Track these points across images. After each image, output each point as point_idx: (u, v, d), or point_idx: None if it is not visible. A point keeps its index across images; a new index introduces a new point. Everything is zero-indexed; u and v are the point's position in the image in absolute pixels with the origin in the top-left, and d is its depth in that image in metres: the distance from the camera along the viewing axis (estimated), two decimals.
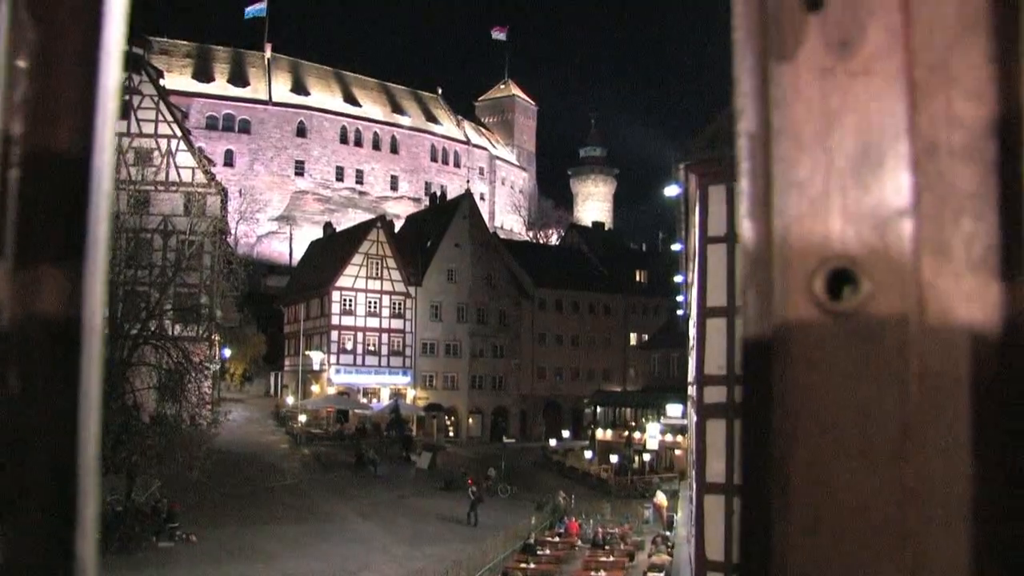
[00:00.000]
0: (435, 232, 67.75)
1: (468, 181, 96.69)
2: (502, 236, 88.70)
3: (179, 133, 46.29)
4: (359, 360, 62.08)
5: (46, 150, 0.71)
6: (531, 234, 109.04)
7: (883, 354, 0.56)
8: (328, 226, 76.63)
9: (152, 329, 30.08)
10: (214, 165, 57.24)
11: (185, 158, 45.47)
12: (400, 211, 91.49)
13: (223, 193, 48.26)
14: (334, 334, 60.50)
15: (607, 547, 30.77)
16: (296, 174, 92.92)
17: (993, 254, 0.57)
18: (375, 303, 62.53)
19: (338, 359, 60.72)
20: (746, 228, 0.60)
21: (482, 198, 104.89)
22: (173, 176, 44.29)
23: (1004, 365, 0.55)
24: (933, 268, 0.57)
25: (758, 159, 0.59)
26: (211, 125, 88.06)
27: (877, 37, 0.57)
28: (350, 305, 61.24)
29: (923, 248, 0.57)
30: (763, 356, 0.58)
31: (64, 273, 0.70)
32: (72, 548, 0.74)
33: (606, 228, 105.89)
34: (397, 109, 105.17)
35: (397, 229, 73.14)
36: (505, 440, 56.72)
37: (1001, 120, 0.56)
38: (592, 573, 25.97)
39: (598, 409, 61.60)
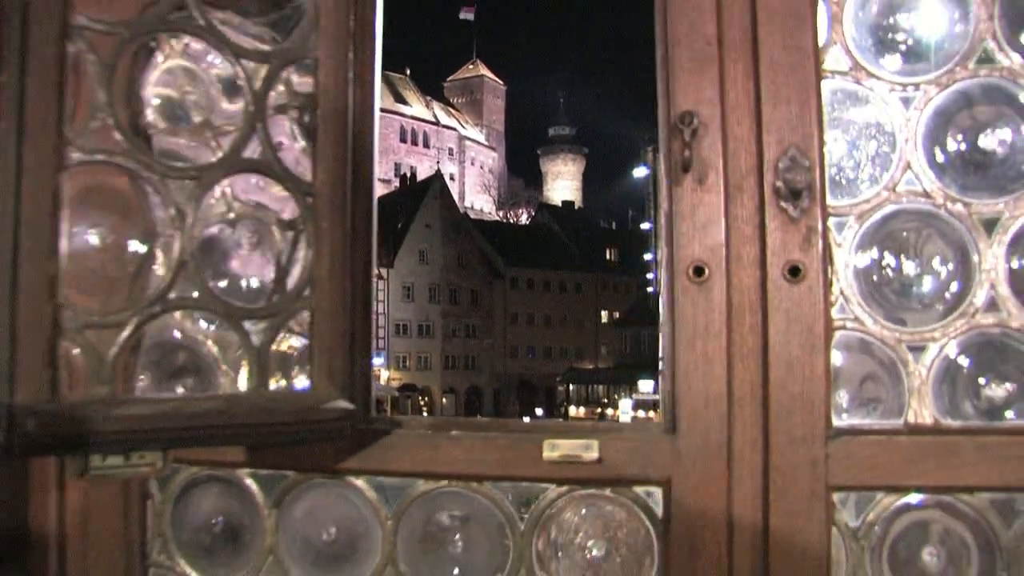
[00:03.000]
0: (406, 213, 68.20)
1: (438, 162, 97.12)
2: (472, 216, 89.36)
3: None
4: None
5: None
6: (501, 214, 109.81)
7: (713, 297, 1.50)
8: None
9: None
10: None
11: None
12: None
13: None
14: None
15: None
16: None
17: (757, 258, 1.51)
18: None
19: None
20: (663, 249, 1.54)
21: (452, 178, 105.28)
22: None
23: (749, 301, 1.49)
24: (735, 264, 1.51)
25: (667, 223, 1.53)
26: None
27: (712, 177, 1.51)
28: None
29: (731, 258, 1.51)
30: (670, 300, 1.52)
31: None
32: (355, 370, 1.66)
33: (576, 207, 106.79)
34: None
35: None
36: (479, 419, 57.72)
37: (760, 208, 1.50)
38: None
39: (571, 387, 62.62)
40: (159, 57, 1.53)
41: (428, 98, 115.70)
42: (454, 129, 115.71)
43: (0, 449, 1.27)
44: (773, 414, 1.49)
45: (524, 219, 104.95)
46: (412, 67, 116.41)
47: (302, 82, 1.62)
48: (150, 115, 1.53)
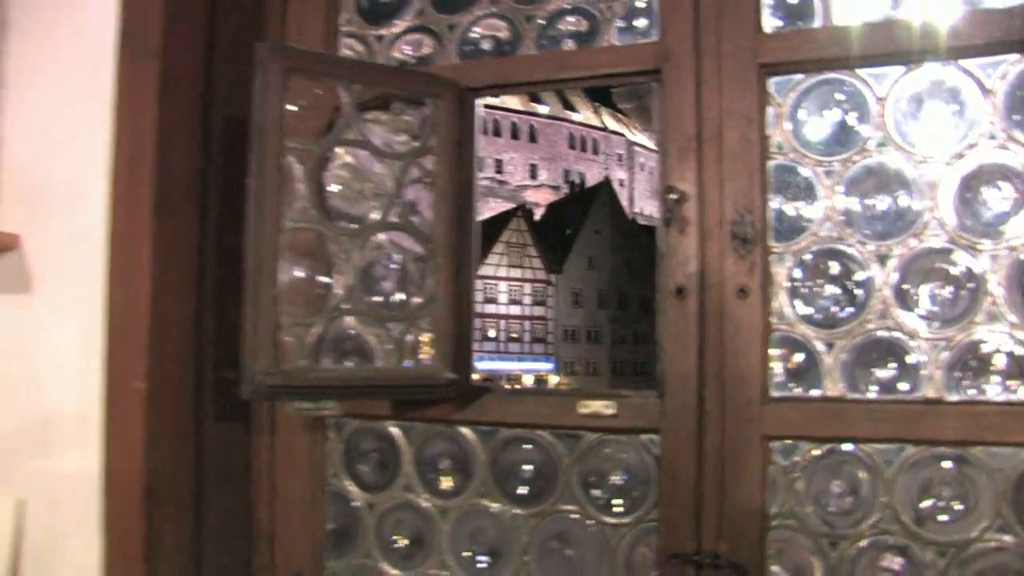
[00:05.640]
0: (575, 219, 69.11)
1: (606, 168, 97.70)
2: (641, 222, 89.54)
3: None
4: (502, 347, 64.05)
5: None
6: None
7: (689, 309, 2.27)
8: None
9: None
10: None
11: None
12: (539, 199, 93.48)
13: None
14: (477, 321, 62.53)
15: None
16: None
17: (719, 283, 2.26)
18: (517, 290, 64.37)
19: (481, 346, 62.82)
20: (659, 276, 2.31)
21: (621, 184, 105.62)
22: None
23: (713, 312, 2.25)
24: (704, 287, 2.27)
25: (662, 258, 2.30)
26: None
27: (690, 229, 2.27)
28: (492, 293, 63.36)
29: (702, 283, 2.27)
30: (662, 310, 2.30)
31: None
32: (461, 353, 2.51)
33: None
34: (534, 99, 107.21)
35: (537, 217, 74.93)
36: None
37: (721, 250, 2.25)
38: None
39: None
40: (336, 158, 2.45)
41: (596, 104, 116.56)
42: (622, 135, 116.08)
43: (248, 396, 2.20)
44: (727, 387, 2.25)
45: None
46: None
47: (428, 163, 2.49)
48: (333, 192, 2.44)
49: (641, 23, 2.48)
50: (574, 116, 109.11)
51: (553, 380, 64.51)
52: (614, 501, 2.41)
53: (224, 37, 2.69)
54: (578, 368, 67.67)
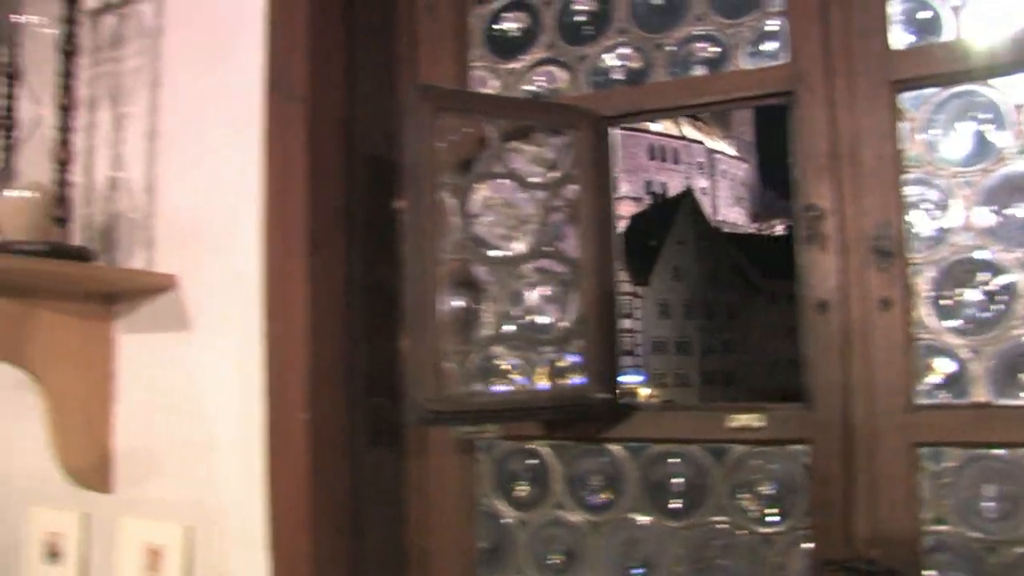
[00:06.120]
0: (659, 230, 68.87)
1: (687, 177, 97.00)
2: (725, 230, 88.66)
3: None
4: None
5: None
6: (756, 226, 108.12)
7: (832, 322, 2.34)
8: None
9: None
10: None
11: None
12: (622, 211, 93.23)
13: None
14: None
15: None
16: None
17: (860, 296, 2.32)
18: None
19: None
20: (801, 291, 2.38)
21: (703, 192, 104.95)
22: None
23: (857, 324, 2.31)
24: (847, 300, 2.34)
25: (802, 274, 2.39)
26: None
27: (830, 245, 2.35)
28: None
29: (843, 296, 2.34)
30: (805, 325, 2.37)
31: None
32: (610, 373, 2.61)
33: None
34: None
35: (620, 230, 74.63)
36: None
37: (862, 264, 2.32)
38: None
39: None
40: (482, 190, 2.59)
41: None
42: (701, 143, 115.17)
43: (412, 422, 2.34)
44: (874, 396, 2.31)
45: (780, 230, 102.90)
46: None
47: (570, 191, 2.60)
48: (482, 223, 2.57)
49: (769, 47, 2.56)
50: (653, 127, 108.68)
51: (643, 392, 64.13)
52: (766, 511, 2.49)
53: (362, 77, 2.84)
54: (668, 380, 67.22)
